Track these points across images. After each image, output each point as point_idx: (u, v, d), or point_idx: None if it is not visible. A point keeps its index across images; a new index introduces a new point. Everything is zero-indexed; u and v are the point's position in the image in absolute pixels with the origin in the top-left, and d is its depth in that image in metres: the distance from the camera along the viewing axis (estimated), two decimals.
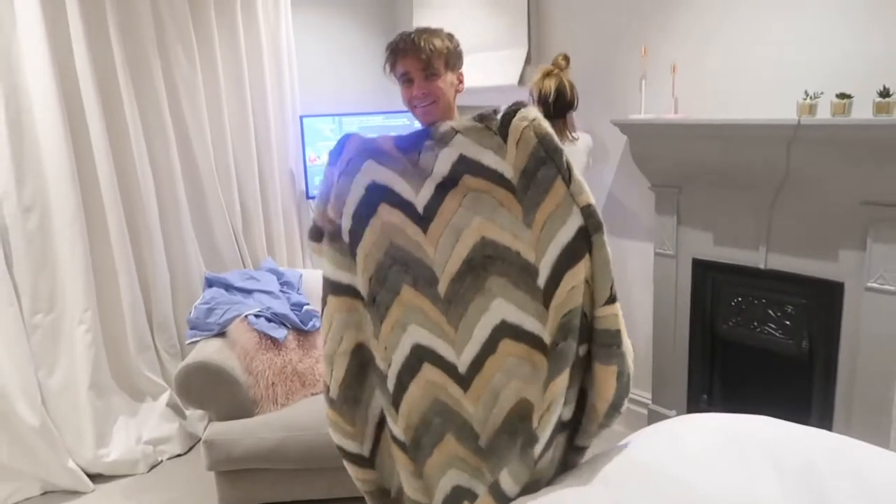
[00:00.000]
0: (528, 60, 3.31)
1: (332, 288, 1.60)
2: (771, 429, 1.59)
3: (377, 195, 1.50)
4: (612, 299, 1.44)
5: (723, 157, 2.54)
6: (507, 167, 1.43)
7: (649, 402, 3.11)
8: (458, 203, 1.46)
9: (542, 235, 1.42)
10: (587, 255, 1.42)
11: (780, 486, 1.34)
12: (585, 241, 1.42)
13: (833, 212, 2.36)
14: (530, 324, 1.45)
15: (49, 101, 2.76)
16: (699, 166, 2.66)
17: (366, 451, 1.66)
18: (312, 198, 3.70)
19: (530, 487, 1.46)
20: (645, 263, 3.05)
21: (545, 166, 1.41)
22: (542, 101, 2.81)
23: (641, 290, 3.10)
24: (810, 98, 2.31)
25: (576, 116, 2.86)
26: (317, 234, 1.66)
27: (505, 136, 1.43)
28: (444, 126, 1.50)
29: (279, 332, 2.72)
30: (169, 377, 3.21)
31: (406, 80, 1.62)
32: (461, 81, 1.74)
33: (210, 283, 3.00)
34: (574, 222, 1.41)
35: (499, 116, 1.46)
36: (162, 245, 3.22)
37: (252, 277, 3.05)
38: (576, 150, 2.82)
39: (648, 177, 2.88)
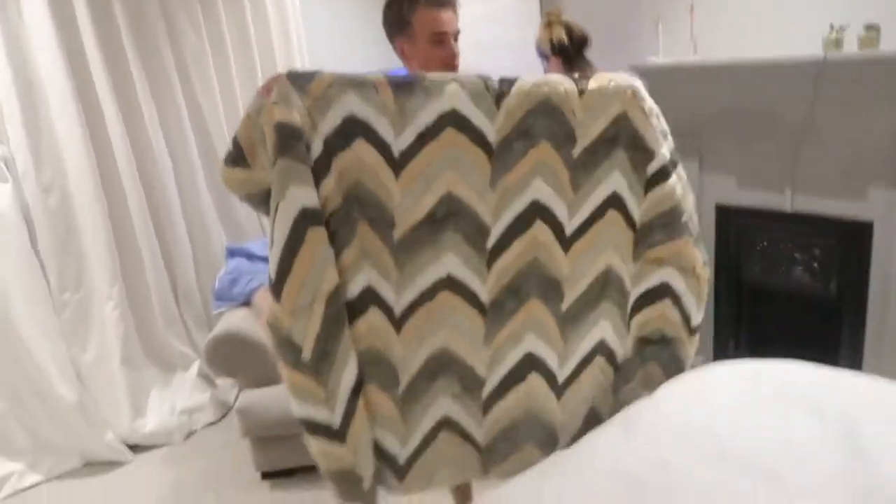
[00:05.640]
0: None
1: (312, 218, 1.34)
2: (803, 373, 1.57)
3: (355, 128, 1.39)
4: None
5: (746, 99, 2.47)
6: (491, 131, 1.44)
7: None
8: (436, 154, 1.42)
9: (502, 201, 1.47)
10: (539, 223, 1.49)
11: (819, 430, 1.32)
12: (537, 213, 1.49)
13: (861, 149, 2.29)
14: (471, 279, 1.49)
15: (60, 80, 2.76)
16: (721, 109, 2.59)
17: (337, 420, 1.42)
18: None
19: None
20: None
21: (523, 139, 1.45)
22: (561, 49, 2.74)
23: None
24: (836, 31, 2.22)
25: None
26: (236, 155, 1.40)
27: (499, 101, 1.44)
28: (444, 75, 1.47)
29: None
30: (198, 347, 3.26)
31: (436, 40, 1.66)
32: None
33: (232, 253, 3.02)
34: (530, 195, 1.47)
35: (497, 78, 1.45)
36: (181, 218, 3.24)
37: None
38: None
39: (668, 122, 2.81)
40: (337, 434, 1.42)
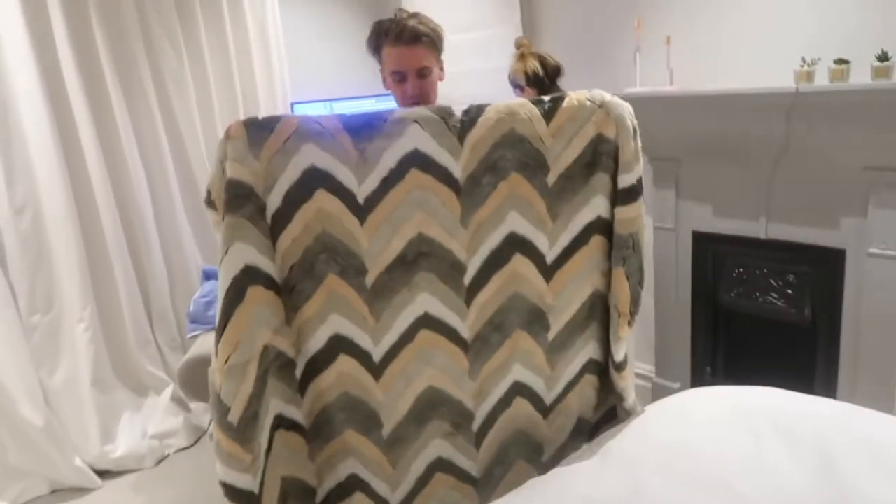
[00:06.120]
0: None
1: (253, 277, 1.33)
2: (777, 400, 1.60)
3: (316, 180, 1.36)
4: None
5: (721, 128, 2.53)
6: (457, 168, 1.42)
7: (653, 375, 3.13)
8: (401, 198, 1.40)
9: (476, 237, 1.46)
10: (518, 255, 1.49)
11: (789, 456, 1.34)
12: (515, 246, 1.48)
13: (833, 179, 2.35)
14: (451, 318, 1.48)
15: (34, 99, 2.74)
16: (697, 138, 2.64)
17: (257, 486, 1.38)
18: None
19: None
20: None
21: (491, 173, 1.43)
22: (536, 81, 2.78)
23: None
24: (807, 65, 2.29)
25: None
26: (209, 199, 1.38)
27: (462, 137, 1.41)
28: (403, 114, 1.42)
29: None
30: (171, 371, 3.22)
31: (397, 79, 1.72)
32: (442, 69, 1.82)
33: (208, 275, 2.99)
34: (505, 228, 1.47)
35: (459, 115, 1.41)
36: (157, 239, 3.22)
37: None
38: None
39: (646, 150, 2.83)
40: (255, 500, 1.37)
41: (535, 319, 1.54)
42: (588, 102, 1.48)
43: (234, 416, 1.32)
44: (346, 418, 1.48)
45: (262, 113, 3.54)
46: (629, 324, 1.55)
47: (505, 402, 1.57)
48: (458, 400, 1.52)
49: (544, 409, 1.62)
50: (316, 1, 3.85)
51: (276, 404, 1.43)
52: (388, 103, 3.71)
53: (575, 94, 1.49)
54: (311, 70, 3.78)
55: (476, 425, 1.55)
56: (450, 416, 1.52)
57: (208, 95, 3.34)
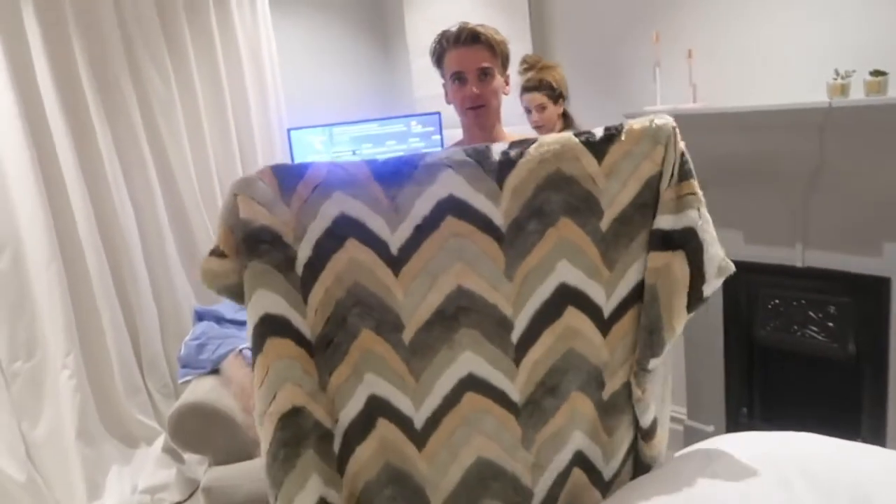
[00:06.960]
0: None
1: (275, 327, 1.35)
2: (811, 447, 1.58)
3: (346, 228, 1.38)
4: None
5: (750, 148, 2.53)
6: (497, 214, 1.40)
7: (685, 418, 3.09)
8: (437, 247, 1.38)
9: (523, 290, 1.42)
10: (571, 309, 1.43)
11: None
12: (567, 298, 1.43)
13: (874, 201, 2.34)
14: (498, 379, 1.43)
15: (13, 130, 2.81)
16: (724, 159, 2.64)
17: None
18: None
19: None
20: None
21: (537, 218, 1.40)
22: (558, 94, 2.77)
23: None
24: (841, 77, 2.30)
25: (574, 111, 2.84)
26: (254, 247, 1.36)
27: (501, 181, 1.40)
28: (435, 158, 1.42)
29: None
30: (163, 420, 3.24)
31: (458, 79, 1.80)
32: (507, 83, 1.88)
33: (200, 316, 3.02)
34: (555, 279, 1.42)
35: (496, 157, 1.41)
36: (147, 279, 3.26)
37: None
38: None
39: None
40: None
41: (592, 378, 1.48)
42: (649, 136, 1.42)
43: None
44: (391, 495, 1.43)
45: (258, 140, 3.59)
46: (637, 385, 1.49)
47: (565, 475, 1.50)
48: (512, 473, 1.45)
49: (603, 486, 1.54)
50: (312, 21, 3.90)
51: (317, 484, 1.38)
52: (392, 127, 3.73)
53: (636, 124, 1.43)
54: (309, 94, 3.84)
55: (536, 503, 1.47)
56: (503, 492, 1.45)
57: (198, 123, 3.39)
